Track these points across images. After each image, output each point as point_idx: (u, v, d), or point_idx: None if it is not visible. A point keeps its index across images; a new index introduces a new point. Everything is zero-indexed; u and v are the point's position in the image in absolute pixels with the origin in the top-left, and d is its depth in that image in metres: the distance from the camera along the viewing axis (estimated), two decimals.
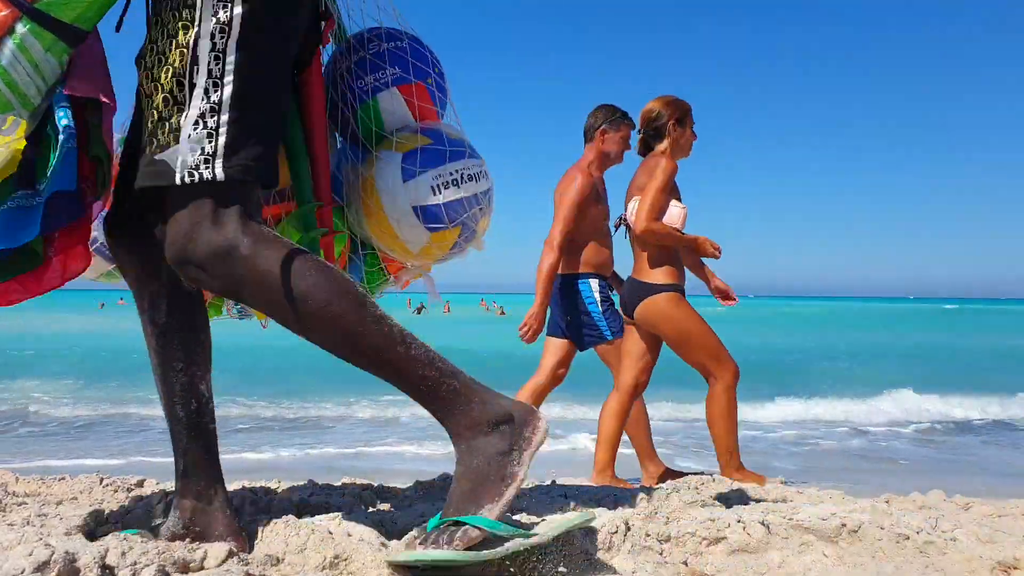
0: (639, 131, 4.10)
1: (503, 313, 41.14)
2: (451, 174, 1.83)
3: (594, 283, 4.13)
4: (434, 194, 1.82)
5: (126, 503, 2.32)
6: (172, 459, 1.84)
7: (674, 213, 3.79)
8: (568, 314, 4.20)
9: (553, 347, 4.36)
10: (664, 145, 3.94)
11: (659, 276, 3.85)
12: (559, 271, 4.16)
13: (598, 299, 4.13)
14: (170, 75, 1.51)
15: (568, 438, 7.06)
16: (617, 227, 4.21)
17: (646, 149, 4.09)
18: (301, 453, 6.64)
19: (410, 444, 6.94)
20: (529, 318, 4.07)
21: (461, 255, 2.06)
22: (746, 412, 6.00)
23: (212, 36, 1.48)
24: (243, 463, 5.95)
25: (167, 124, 1.51)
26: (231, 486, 2.61)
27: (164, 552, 1.56)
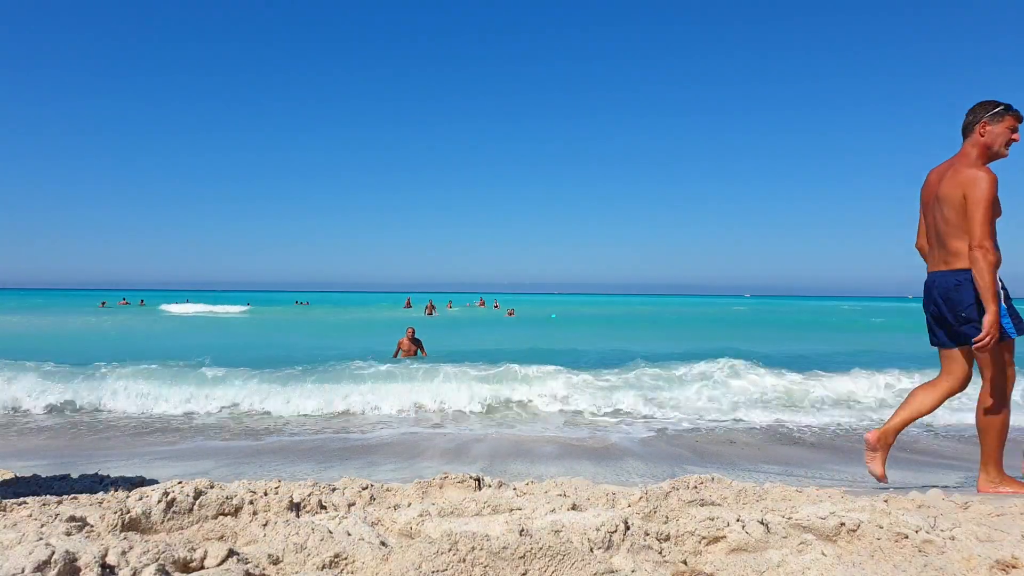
0: None
1: (512, 313, 40.64)
2: None
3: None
4: None
5: (126, 502, 2.32)
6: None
7: None
8: (962, 311, 4.09)
9: (956, 355, 4.21)
10: None
11: None
12: (952, 267, 4.09)
13: (1002, 296, 4.05)
14: None
15: None
16: None
17: None
18: (313, 439, 6.64)
19: (429, 427, 6.97)
20: (990, 327, 3.96)
21: None
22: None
23: None
24: (251, 449, 5.95)
25: None
26: (231, 484, 2.62)
27: (164, 551, 1.56)
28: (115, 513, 2.10)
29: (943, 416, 8.70)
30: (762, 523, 1.87)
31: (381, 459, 6.07)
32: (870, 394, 9.59)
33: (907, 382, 9.85)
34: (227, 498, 2.27)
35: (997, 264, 3.95)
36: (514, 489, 2.77)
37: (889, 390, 9.75)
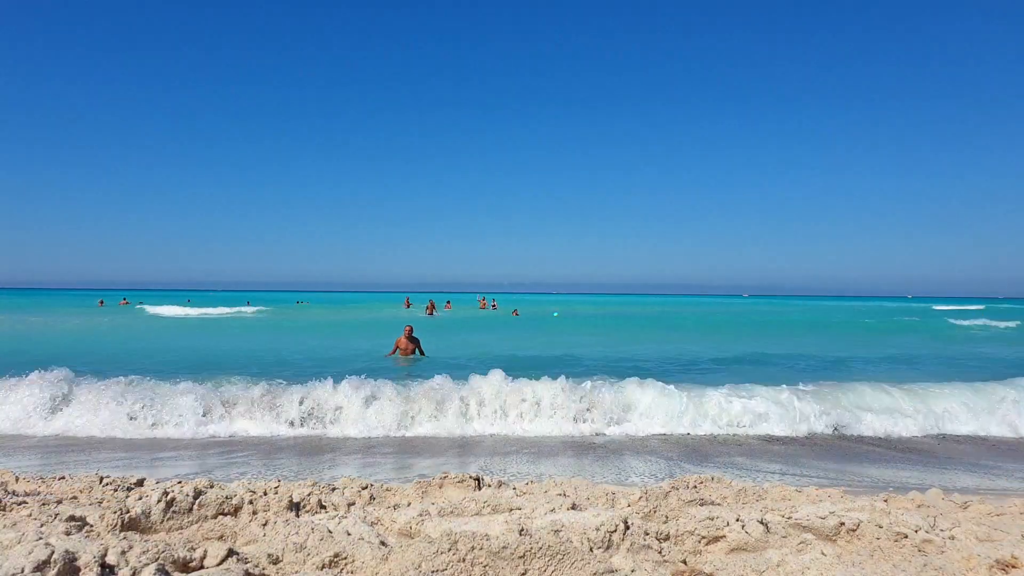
0: None
1: (516, 313, 40.48)
2: None
3: None
4: None
5: (126, 502, 2.32)
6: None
7: None
8: None
9: None
10: None
11: None
12: None
13: None
14: None
15: None
16: None
17: None
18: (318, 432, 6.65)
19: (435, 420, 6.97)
20: None
21: None
22: None
23: None
24: (252, 441, 5.95)
25: None
26: (231, 484, 2.62)
27: (164, 551, 1.56)
28: (115, 513, 2.10)
29: (950, 421, 8.71)
30: (762, 523, 1.87)
31: (381, 459, 6.07)
32: (875, 395, 9.58)
33: (910, 384, 9.84)
34: (227, 498, 2.27)
35: None
36: (514, 489, 2.77)
37: (892, 392, 9.75)
